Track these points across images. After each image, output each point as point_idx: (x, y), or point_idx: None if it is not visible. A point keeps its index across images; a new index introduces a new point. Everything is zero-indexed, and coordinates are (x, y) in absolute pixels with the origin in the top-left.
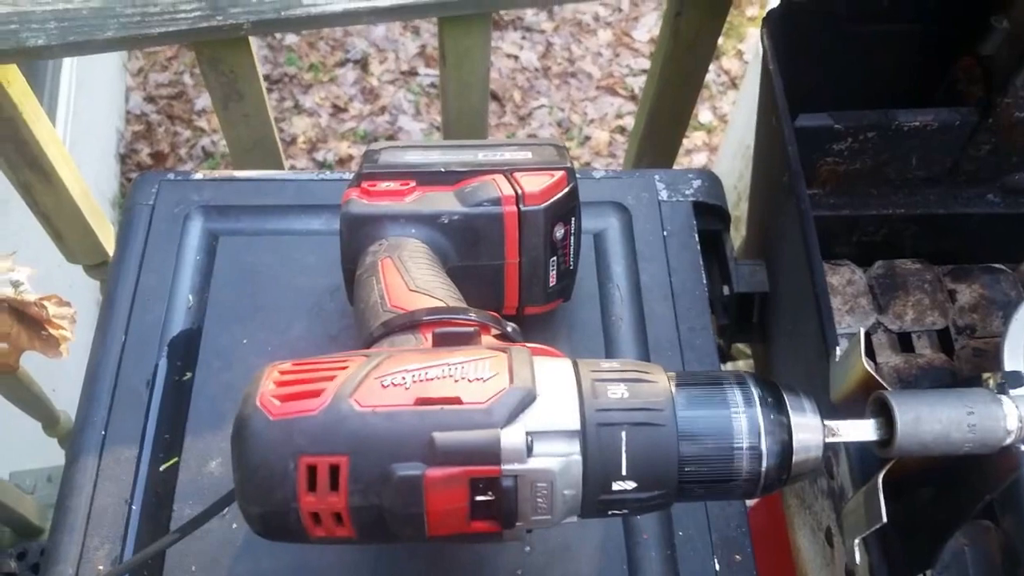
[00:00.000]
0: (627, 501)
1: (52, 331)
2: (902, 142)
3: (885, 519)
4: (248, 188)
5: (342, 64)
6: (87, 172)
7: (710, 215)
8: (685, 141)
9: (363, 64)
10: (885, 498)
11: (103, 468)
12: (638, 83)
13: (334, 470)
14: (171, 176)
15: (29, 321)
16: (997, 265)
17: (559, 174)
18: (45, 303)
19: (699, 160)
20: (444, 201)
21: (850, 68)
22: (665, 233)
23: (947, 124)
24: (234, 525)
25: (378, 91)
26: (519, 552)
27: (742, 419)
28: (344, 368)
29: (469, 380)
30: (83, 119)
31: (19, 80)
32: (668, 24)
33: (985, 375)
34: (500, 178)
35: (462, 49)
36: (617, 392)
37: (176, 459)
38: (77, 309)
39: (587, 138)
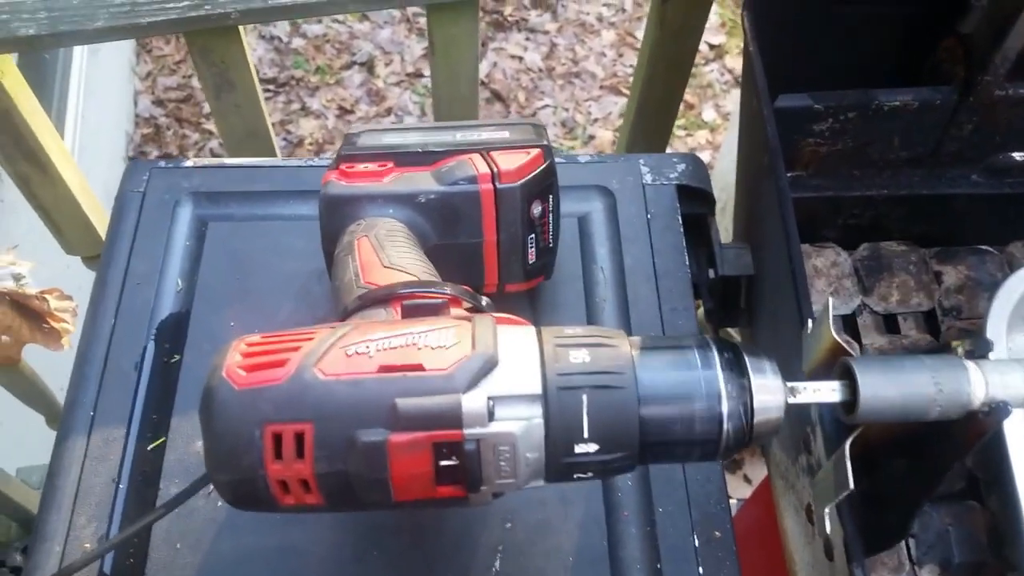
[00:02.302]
0: (590, 463)
1: (54, 324)
2: (883, 122)
3: (852, 486)
4: (238, 175)
5: (348, 67)
6: (97, 174)
7: (695, 199)
8: (688, 139)
9: (369, 66)
10: (855, 468)
11: (91, 448)
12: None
13: (299, 437)
14: (162, 164)
15: (31, 314)
16: (983, 246)
17: (535, 152)
18: (47, 296)
19: (703, 158)
20: (421, 181)
21: (833, 49)
22: (649, 216)
23: (928, 103)
24: (219, 503)
25: (384, 93)
26: (500, 528)
27: (702, 381)
28: (310, 339)
29: (432, 348)
30: (92, 122)
31: (13, 72)
32: (655, 11)
33: (954, 343)
34: (476, 157)
35: (449, 37)
36: (579, 357)
37: (163, 439)
38: (79, 303)
39: (591, 137)
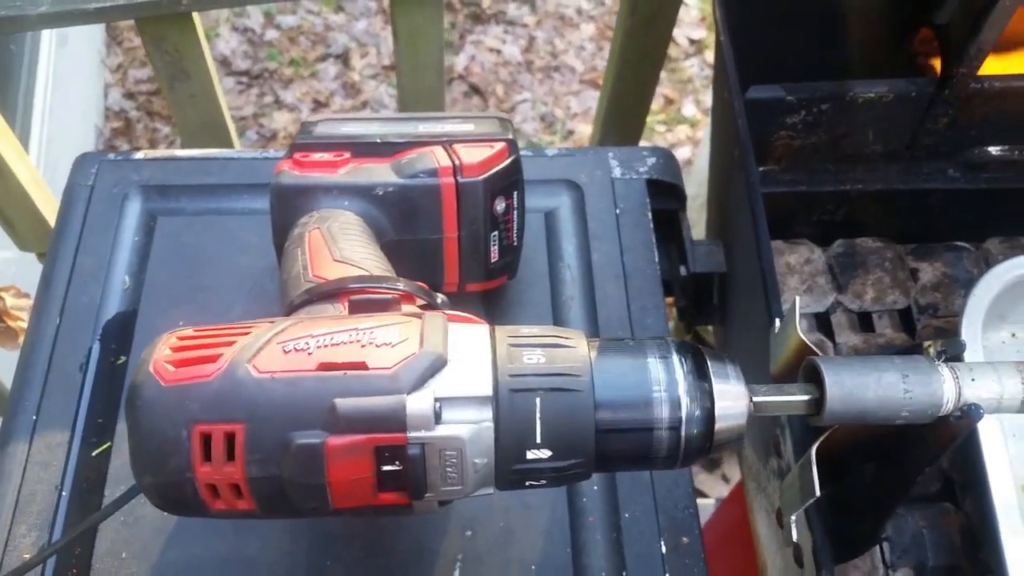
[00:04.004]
0: (543, 471)
1: (9, 323)
2: (858, 115)
3: (818, 493)
4: (189, 167)
5: (323, 59)
6: (64, 168)
7: (666, 194)
8: (668, 135)
9: (344, 59)
10: (823, 473)
11: (32, 454)
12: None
13: (230, 438)
14: (111, 156)
15: None
16: (960, 243)
17: (500, 146)
18: (3, 294)
19: (683, 154)
20: (379, 172)
21: (807, 41)
22: (618, 211)
23: (903, 95)
24: (166, 512)
25: (359, 86)
26: (460, 536)
27: (662, 386)
28: (245, 334)
29: (377, 345)
30: (60, 115)
31: None
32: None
33: (926, 343)
34: (438, 149)
35: (414, 27)
36: (533, 358)
37: (109, 444)
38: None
39: (570, 132)
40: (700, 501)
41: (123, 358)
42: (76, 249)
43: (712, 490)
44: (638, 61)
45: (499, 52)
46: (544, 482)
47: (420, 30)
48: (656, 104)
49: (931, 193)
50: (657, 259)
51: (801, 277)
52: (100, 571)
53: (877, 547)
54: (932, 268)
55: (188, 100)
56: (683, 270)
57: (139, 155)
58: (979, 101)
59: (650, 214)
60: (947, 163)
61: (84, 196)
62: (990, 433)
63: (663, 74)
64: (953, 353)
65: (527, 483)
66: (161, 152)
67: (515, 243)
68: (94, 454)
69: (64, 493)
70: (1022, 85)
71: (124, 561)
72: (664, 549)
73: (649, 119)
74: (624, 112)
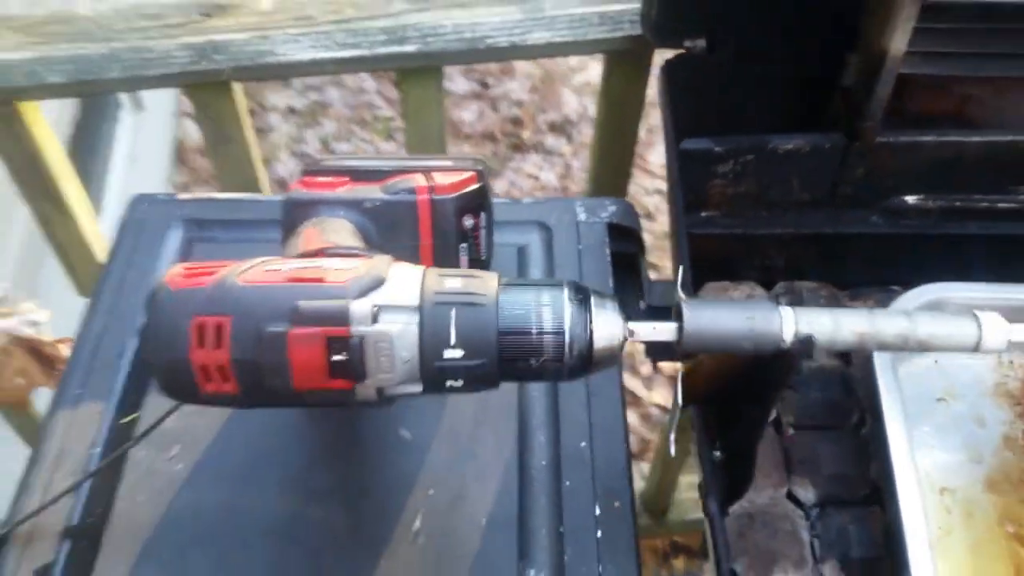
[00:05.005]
0: (458, 369)
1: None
2: (780, 165)
3: (681, 403)
4: (224, 206)
5: None
6: None
7: (627, 238)
8: (647, 183)
9: None
10: (715, 425)
11: (74, 419)
12: (652, 202)
13: (219, 329)
14: (160, 196)
15: (44, 360)
16: (894, 286)
17: (470, 173)
18: (59, 345)
19: (654, 201)
20: (370, 191)
21: (742, 103)
22: (580, 247)
23: (818, 148)
24: (179, 466)
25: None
26: (423, 494)
27: (551, 308)
28: (238, 263)
29: (335, 269)
30: (140, 167)
31: (41, 121)
32: (602, 87)
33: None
34: (419, 175)
35: (418, 100)
36: (453, 284)
37: (136, 415)
38: None
39: None
40: None
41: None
42: (125, 267)
43: None
44: (616, 137)
45: (537, 178)
46: (461, 382)
47: (424, 103)
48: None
49: (859, 238)
50: (612, 286)
51: None
52: (119, 510)
53: (808, 542)
54: (865, 307)
55: (228, 162)
56: (642, 305)
57: (182, 196)
58: (887, 154)
59: (608, 251)
60: (870, 210)
61: (135, 226)
62: (898, 443)
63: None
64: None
65: (447, 383)
66: (201, 194)
67: (483, 257)
68: (123, 422)
69: (96, 450)
70: (925, 139)
71: (139, 504)
72: (598, 511)
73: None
74: (607, 177)
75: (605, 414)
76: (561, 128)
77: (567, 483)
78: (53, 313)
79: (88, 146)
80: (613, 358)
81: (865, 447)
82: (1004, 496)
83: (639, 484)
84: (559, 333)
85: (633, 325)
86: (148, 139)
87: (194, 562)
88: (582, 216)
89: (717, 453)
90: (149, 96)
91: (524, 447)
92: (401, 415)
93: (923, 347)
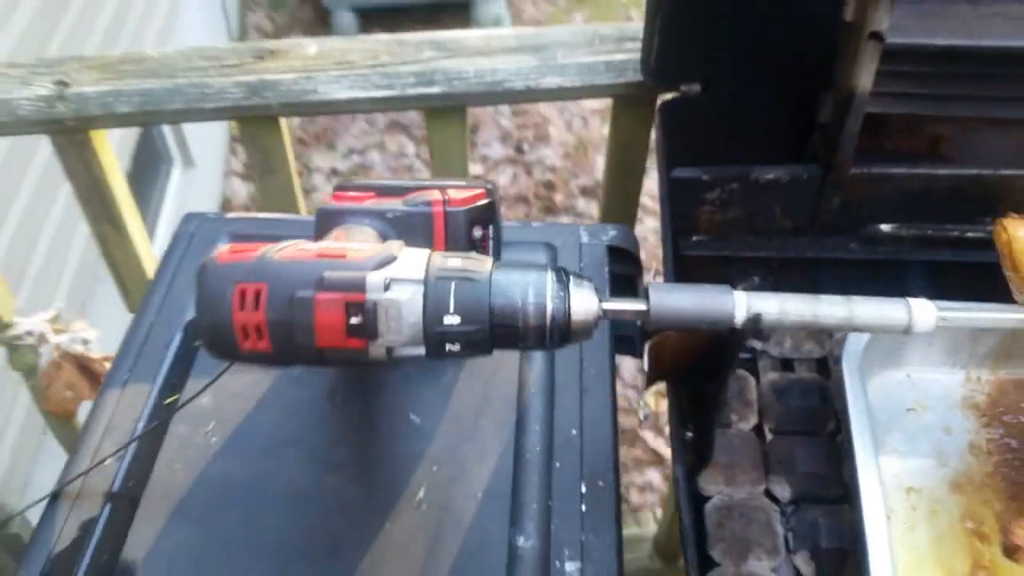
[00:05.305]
0: (455, 333)
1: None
2: (763, 194)
3: (647, 368)
4: (266, 223)
5: None
6: None
7: (626, 261)
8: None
9: None
10: (686, 408)
11: (123, 398)
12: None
13: (257, 294)
14: (209, 215)
15: (92, 375)
16: None
17: (479, 190)
18: (106, 362)
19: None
20: (392, 203)
21: (731, 138)
22: (582, 265)
23: (797, 178)
24: (213, 439)
25: None
26: (428, 470)
27: (534, 285)
28: (275, 244)
29: (355, 249)
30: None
31: (108, 148)
32: (611, 129)
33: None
34: (435, 191)
35: (443, 139)
36: (454, 263)
37: (176, 396)
38: None
39: None
40: None
41: (198, 343)
42: (176, 269)
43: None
44: (624, 175)
45: None
46: (458, 346)
47: (449, 142)
48: None
49: (839, 263)
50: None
51: None
52: (157, 476)
53: (782, 533)
54: None
55: (272, 190)
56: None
57: (229, 215)
58: (861, 185)
59: (607, 270)
60: (847, 238)
61: (185, 239)
62: (863, 446)
63: None
64: (750, 287)
65: (446, 346)
66: (245, 213)
67: None
68: (165, 402)
69: (140, 424)
70: (895, 172)
71: (176, 471)
72: (584, 489)
73: None
74: (617, 212)
75: (595, 407)
76: (592, 192)
77: (557, 464)
78: (103, 331)
79: (141, 199)
80: (589, 330)
81: (839, 451)
82: (967, 496)
83: (652, 527)
84: (541, 305)
85: (607, 303)
86: (197, 195)
87: (222, 521)
88: (585, 239)
89: (689, 433)
90: (199, 154)
91: (520, 433)
92: (411, 402)
93: (861, 328)
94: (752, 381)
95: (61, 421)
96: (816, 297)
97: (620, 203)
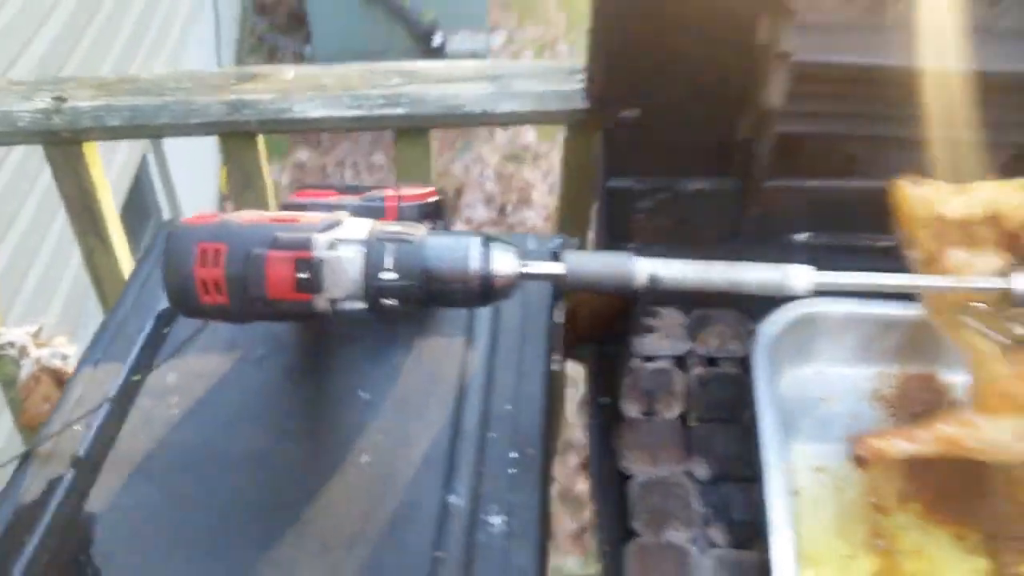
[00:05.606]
0: (393, 288)
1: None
2: (689, 204)
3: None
4: None
5: None
6: None
7: None
8: None
9: None
10: (593, 367)
11: (95, 376)
12: None
13: (217, 252)
14: (178, 224)
15: None
16: None
17: (430, 190)
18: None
19: None
20: (351, 200)
21: (666, 156)
22: None
23: (719, 190)
24: (175, 411)
25: None
26: (374, 436)
27: (463, 248)
28: (238, 213)
29: (307, 216)
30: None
31: (99, 162)
32: (564, 149)
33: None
34: (390, 190)
35: (410, 158)
36: (393, 228)
37: (144, 375)
38: None
39: None
40: None
41: (167, 330)
42: (150, 270)
43: None
44: (576, 197)
45: None
46: (396, 301)
47: (415, 161)
48: None
49: None
50: (552, 301)
51: (665, 330)
52: (122, 443)
53: (699, 509)
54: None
55: (249, 205)
56: None
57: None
58: (776, 195)
59: None
60: (767, 247)
61: (159, 250)
62: (767, 428)
63: None
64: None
65: (384, 300)
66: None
67: None
68: (133, 379)
69: (109, 397)
70: (807, 184)
71: (139, 439)
72: (514, 455)
73: None
74: (570, 231)
75: (530, 386)
76: None
77: (492, 435)
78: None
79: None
80: (511, 287)
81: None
82: (871, 474)
83: None
84: (468, 263)
85: (527, 266)
86: None
87: (179, 481)
88: (532, 246)
89: (607, 399)
90: (188, 205)
91: (460, 408)
92: (361, 380)
93: (745, 289)
94: (680, 375)
95: (37, 432)
96: (708, 263)
97: (571, 220)
